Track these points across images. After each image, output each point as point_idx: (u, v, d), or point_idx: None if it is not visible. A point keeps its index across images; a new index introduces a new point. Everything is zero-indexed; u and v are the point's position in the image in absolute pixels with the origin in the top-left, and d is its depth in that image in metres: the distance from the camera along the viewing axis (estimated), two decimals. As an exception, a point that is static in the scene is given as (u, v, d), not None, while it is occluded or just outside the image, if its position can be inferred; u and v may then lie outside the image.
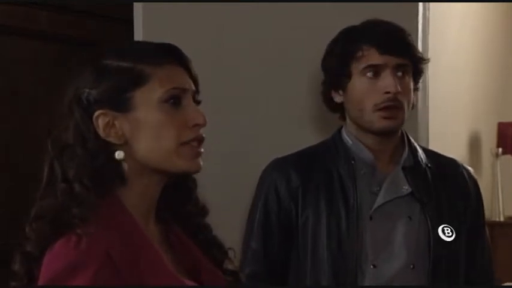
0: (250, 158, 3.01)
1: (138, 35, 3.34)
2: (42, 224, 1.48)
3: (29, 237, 1.49)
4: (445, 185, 2.27)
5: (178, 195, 1.64)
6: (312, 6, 3.16)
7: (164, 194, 1.61)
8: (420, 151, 2.29)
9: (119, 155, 1.53)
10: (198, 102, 1.60)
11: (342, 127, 2.31)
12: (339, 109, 2.30)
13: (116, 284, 1.43)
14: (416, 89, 2.27)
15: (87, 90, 1.54)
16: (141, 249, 1.49)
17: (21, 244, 1.50)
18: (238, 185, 3.06)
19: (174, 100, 1.54)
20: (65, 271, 1.43)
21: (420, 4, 3.20)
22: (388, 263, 2.18)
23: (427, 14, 3.24)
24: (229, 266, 1.66)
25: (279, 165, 2.29)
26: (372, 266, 2.17)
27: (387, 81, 2.16)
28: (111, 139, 1.53)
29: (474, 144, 5.09)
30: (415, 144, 2.30)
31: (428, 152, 2.33)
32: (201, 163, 1.57)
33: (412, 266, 2.19)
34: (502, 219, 5.18)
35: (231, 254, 1.68)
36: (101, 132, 1.53)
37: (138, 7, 3.38)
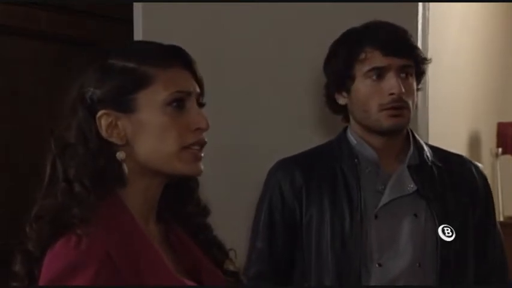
0: (251, 159, 3.01)
1: (138, 35, 3.34)
2: (43, 224, 1.48)
3: (30, 237, 1.49)
4: (452, 182, 2.26)
5: (179, 195, 1.64)
6: (312, 6, 3.16)
7: (165, 193, 1.60)
8: (426, 149, 2.29)
9: (119, 155, 1.52)
10: (202, 105, 1.59)
11: (347, 127, 2.32)
12: (343, 111, 2.30)
13: (116, 284, 1.43)
14: (418, 89, 2.27)
15: (91, 89, 1.53)
16: (141, 249, 1.49)
17: (22, 244, 1.50)
18: (239, 185, 3.06)
19: (178, 103, 1.54)
20: (65, 271, 1.43)
21: (420, 4, 3.20)
22: (393, 262, 2.17)
23: (427, 14, 3.24)
24: (230, 267, 1.66)
25: (284, 165, 2.30)
26: (377, 265, 2.17)
27: (392, 83, 2.17)
28: (113, 139, 1.53)
29: (474, 144, 5.09)
30: (421, 142, 2.31)
31: (435, 150, 2.33)
32: (202, 167, 1.56)
33: (418, 265, 2.18)
34: (501, 219, 5.17)
35: (231, 254, 1.68)
36: (103, 132, 1.52)
37: (138, 7, 3.38)
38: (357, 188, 2.20)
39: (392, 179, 2.21)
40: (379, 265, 2.17)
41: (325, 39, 2.33)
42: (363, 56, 2.19)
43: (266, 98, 3.23)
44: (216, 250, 1.66)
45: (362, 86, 2.20)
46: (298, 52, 3.15)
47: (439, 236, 2.18)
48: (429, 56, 3.23)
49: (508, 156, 5.21)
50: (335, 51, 2.26)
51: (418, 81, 2.26)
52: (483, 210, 2.30)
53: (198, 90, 1.58)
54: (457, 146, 4.77)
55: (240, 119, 3.26)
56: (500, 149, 5.15)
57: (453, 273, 2.19)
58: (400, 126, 2.21)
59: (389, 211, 2.19)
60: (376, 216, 2.19)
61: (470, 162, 2.38)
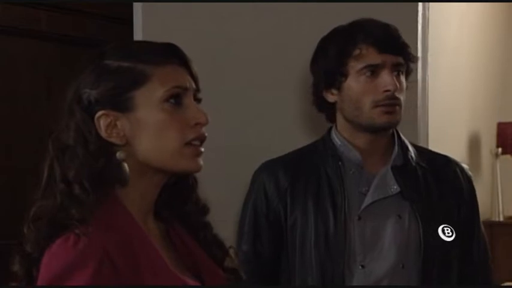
0: (250, 158, 3.00)
1: (138, 35, 3.35)
2: (41, 225, 1.48)
3: (28, 238, 1.49)
4: (437, 183, 2.25)
5: (178, 194, 1.64)
6: (312, 6, 3.16)
7: (165, 192, 1.60)
8: (411, 149, 2.28)
9: (119, 155, 1.52)
10: (198, 101, 1.60)
11: (331, 127, 2.30)
12: (330, 109, 2.28)
13: (115, 284, 1.43)
14: (406, 88, 2.25)
15: (87, 90, 1.53)
16: (140, 248, 1.49)
17: (20, 245, 1.50)
18: (237, 185, 3.06)
19: (175, 99, 1.54)
20: (63, 271, 1.42)
21: (420, 4, 3.20)
22: (377, 263, 2.17)
23: (427, 14, 3.24)
24: (230, 264, 1.66)
25: (268, 167, 2.29)
26: (360, 267, 2.16)
27: (387, 80, 2.16)
28: (113, 139, 1.53)
29: (474, 144, 5.09)
30: (406, 143, 2.29)
31: (420, 150, 2.32)
32: (201, 163, 1.56)
33: (401, 266, 2.17)
34: (501, 219, 5.18)
35: (231, 252, 1.68)
36: (102, 132, 1.52)
37: (137, 7, 3.38)
38: (340, 190, 2.19)
39: (375, 180, 2.20)
40: (362, 266, 2.16)
41: (325, 39, 2.33)
42: (357, 52, 2.18)
43: (265, 98, 3.23)
44: (216, 248, 1.66)
45: (355, 83, 2.19)
46: (298, 52, 3.15)
47: (423, 238, 2.17)
48: (429, 55, 3.26)
49: (507, 156, 5.22)
50: (325, 48, 2.24)
51: (407, 80, 2.25)
52: (468, 212, 2.29)
53: (194, 86, 1.58)
54: (457, 146, 4.77)
55: (239, 119, 3.26)
56: (500, 149, 5.16)
57: (437, 274, 2.18)
58: (392, 123, 2.20)
59: (373, 212, 2.19)
60: (359, 218, 2.18)
61: (456, 163, 2.37)
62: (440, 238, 2.20)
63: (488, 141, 5.21)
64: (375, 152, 2.23)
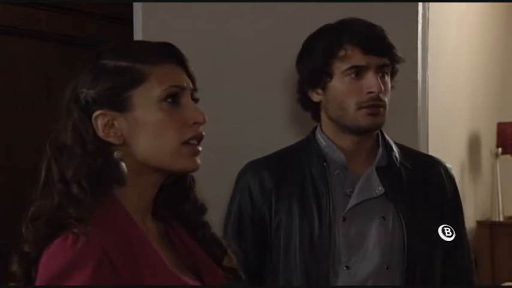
0: (248, 158, 3.00)
1: (138, 35, 3.35)
2: (39, 225, 1.48)
3: (26, 238, 1.49)
4: (421, 184, 2.25)
5: (177, 193, 1.64)
6: (312, 6, 3.16)
7: (163, 192, 1.61)
8: (396, 150, 2.27)
9: (117, 155, 1.52)
10: (196, 100, 1.60)
11: (316, 127, 2.30)
12: (314, 108, 2.27)
13: (115, 284, 1.43)
14: (392, 88, 2.24)
15: (85, 90, 1.53)
16: (138, 247, 1.49)
17: (19, 245, 1.50)
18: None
19: (173, 98, 1.54)
20: (62, 270, 1.42)
21: (420, 4, 3.20)
22: (361, 264, 2.16)
23: (427, 14, 3.24)
24: (229, 264, 1.66)
25: (253, 167, 2.29)
26: (345, 268, 2.16)
27: (371, 82, 2.15)
28: (111, 139, 1.53)
29: (474, 144, 5.10)
30: (391, 143, 2.28)
31: (404, 150, 2.30)
32: (199, 162, 1.57)
33: (386, 267, 2.17)
34: (501, 219, 5.18)
35: (230, 251, 1.68)
36: (100, 132, 1.52)
37: (137, 7, 3.38)
38: (325, 191, 2.19)
39: (360, 181, 2.19)
40: (347, 268, 2.16)
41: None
42: (342, 53, 2.16)
43: (265, 98, 3.23)
44: (215, 247, 1.66)
45: (340, 83, 2.18)
46: (296, 53, 3.15)
47: (406, 239, 2.17)
48: (429, 56, 3.26)
49: (507, 156, 5.22)
50: (310, 47, 2.24)
51: (393, 80, 2.23)
52: (451, 212, 2.29)
53: (191, 85, 1.58)
54: (457, 146, 4.78)
55: (239, 119, 3.26)
56: (500, 149, 5.16)
57: (420, 275, 2.18)
58: (377, 125, 2.19)
59: (357, 214, 2.18)
60: (344, 219, 2.17)
61: (440, 163, 2.36)
62: (424, 239, 2.20)
63: (488, 141, 5.21)
64: (359, 153, 2.23)
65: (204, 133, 1.56)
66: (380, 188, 2.19)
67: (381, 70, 2.17)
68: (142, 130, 1.53)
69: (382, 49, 2.17)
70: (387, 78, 2.19)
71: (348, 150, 2.22)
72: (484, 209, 5.25)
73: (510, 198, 5.32)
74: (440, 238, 2.23)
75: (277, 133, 3.19)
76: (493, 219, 5.18)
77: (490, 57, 5.33)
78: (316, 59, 2.20)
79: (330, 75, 2.18)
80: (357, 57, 2.16)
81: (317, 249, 2.16)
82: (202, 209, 1.67)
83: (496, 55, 5.44)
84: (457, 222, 2.29)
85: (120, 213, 1.51)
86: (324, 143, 2.24)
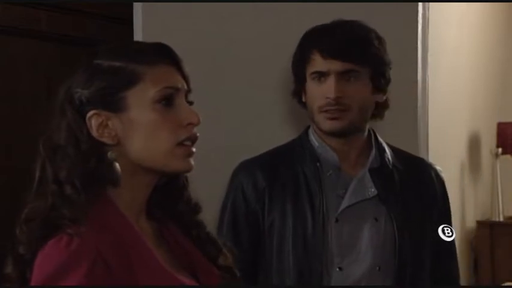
0: (244, 157, 3.00)
1: (138, 35, 3.34)
2: (33, 226, 1.47)
3: (20, 239, 1.48)
4: (413, 186, 2.26)
5: (170, 193, 1.64)
6: (312, 6, 3.16)
7: (156, 191, 1.60)
8: (388, 151, 2.28)
9: (111, 155, 1.52)
10: (190, 103, 1.59)
11: (309, 127, 2.30)
12: (306, 108, 2.29)
13: (110, 284, 1.43)
14: (381, 91, 2.23)
15: (79, 90, 1.53)
16: (132, 247, 1.49)
17: (13, 246, 1.50)
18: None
19: (167, 100, 1.54)
20: (57, 271, 1.42)
21: (420, 4, 3.19)
22: (354, 266, 2.17)
23: (427, 14, 3.24)
24: (224, 262, 1.66)
25: (246, 167, 2.29)
26: (337, 269, 2.17)
27: (327, 87, 2.16)
28: (105, 139, 1.52)
29: (474, 144, 5.09)
30: (384, 145, 2.29)
31: (396, 152, 2.31)
32: (192, 163, 1.56)
33: (378, 268, 2.18)
34: (501, 219, 5.18)
35: (225, 250, 1.69)
36: (94, 132, 1.52)
37: (137, 7, 3.38)
38: (319, 192, 2.19)
39: (353, 183, 2.20)
40: (340, 269, 2.17)
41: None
42: (309, 58, 2.20)
43: (265, 98, 3.23)
44: (210, 246, 1.66)
45: (309, 87, 2.22)
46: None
47: (398, 241, 2.18)
48: (429, 56, 3.26)
49: (507, 156, 5.22)
50: (295, 51, 2.28)
51: (377, 84, 2.22)
52: (440, 214, 2.29)
53: (185, 87, 1.58)
54: (457, 146, 4.77)
55: (239, 119, 3.26)
56: (500, 149, 5.16)
57: (411, 276, 2.19)
58: (339, 129, 2.19)
59: (350, 215, 2.19)
60: (337, 220, 2.18)
61: (430, 165, 2.37)
62: (415, 240, 2.21)
63: (489, 141, 5.21)
64: (349, 154, 2.24)
65: (198, 134, 1.56)
66: (373, 190, 2.20)
67: (345, 75, 2.17)
68: (137, 131, 1.53)
69: (344, 54, 2.16)
70: (360, 84, 2.18)
71: (338, 150, 2.23)
72: (484, 209, 5.25)
73: (510, 198, 5.32)
74: (430, 240, 2.25)
75: (277, 133, 3.18)
76: (493, 219, 5.18)
77: (490, 57, 5.33)
78: (294, 62, 2.26)
79: (305, 79, 2.22)
80: (318, 63, 2.19)
81: (310, 250, 2.17)
82: (196, 209, 1.67)
83: (496, 55, 5.44)
84: (446, 224, 2.30)
85: (114, 213, 1.51)
86: (317, 144, 2.25)
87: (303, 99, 2.27)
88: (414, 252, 2.20)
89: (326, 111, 2.17)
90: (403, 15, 3.14)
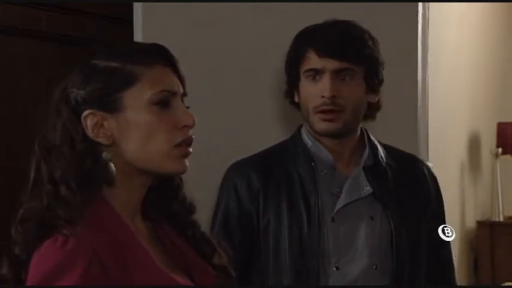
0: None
1: (138, 35, 3.34)
2: (28, 227, 1.47)
3: (16, 240, 1.48)
4: (406, 184, 2.26)
5: (165, 194, 1.64)
6: (312, 6, 3.16)
7: (151, 192, 1.60)
8: (381, 150, 2.27)
9: (106, 155, 1.52)
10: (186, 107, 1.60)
11: (301, 126, 2.30)
12: (298, 108, 2.29)
13: (107, 284, 1.43)
14: (374, 91, 2.23)
15: (75, 90, 1.53)
16: (128, 247, 1.49)
17: (9, 247, 1.49)
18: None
19: (163, 103, 1.54)
20: (52, 272, 1.42)
21: (420, 4, 3.19)
22: (350, 265, 2.17)
23: (427, 14, 3.24)
24: (219, 262, 1.66)
25: (239, 167, 2.29)
26: (334, 268, 2.16)
27: (322, 86, 2.16)
28: (100, 139, 1.52)
29: (474, 144, 5.10)
30: (376, 143, 2.28)
31: (388, 149, 2.31)
32: (187, 164, 1.56)
33: (375, 267, 2.18)
34: (501, 219, 5.18)
35: (220, 249, 1.68)
36: (89, 132, 1.52)
37: (137, 7, 3.38)
38: (314, 192, 2.19)
39: (348, 182, 2.20)
40: (337, 268, 2.16)
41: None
42: (304, 56, 2.20)
43: (265, 98, 3.23)
44: (205, 246, 1.66)
45: (303, 86, 2.21)
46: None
47: (395, 238, 2.18)
48: (429, 56, 3.26)
49: (507, 157, 5.22)
50: (289, 50, 2.27)
51: (371, 84, 2.22)
52: (435, 214, 2.29)
53: (181, 89, 1.58)
54: (457, 146, 4.77)
55: (239, 119, 3.26)
56: (500, 149, 5.16)
57: (408, 274, 2.19)
58: (333, 130, 2.19)
59: (346, 214, 2.18)
60: (332, 220, 2.18)
61: (422, 162, 2.39)
62: (411, 238, 2.21)
63: (489, 141, 5.21)
64: (343, 153, 2.24)
65: (193, 136, 1.56)
66: (368, 188, 2.20)
67: (340, 74, 2.17)
68: (133, 132, 1.52)
69: (340, 52, 2.17)
70: (355, 83, 2.19)
71: (331, 149, 2.23)
72: (484, 209, 5.25)
73: (510, 198, 5.32)
74: (425, 237, 2.25)
75: (278, 133, 3.18)
76: (493, 219, 5.18)
77: (490, 57, 5.33)
78: (288, 60, 2.26)
79: (299, 78, 2.22)
80: (313, 61, 2.18)
81: (307, 250, 2.16)
82: (191, 209, 1.67)
83: (496, 55, 5.44)
84: (440, 221, 2.30)
85: (109, 213, 1.51)
86: (310, 143, 2.25)
87: (296, 100, 2.26)
88: (411, 250, 2.20)
89: (321, 111, 2.17)
90: (403, 15, 3.14)
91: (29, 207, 1.49)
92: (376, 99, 2.25)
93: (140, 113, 1.52)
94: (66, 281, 1.40)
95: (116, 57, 1.55)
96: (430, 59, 3.26)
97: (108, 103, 1.52)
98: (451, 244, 2.37)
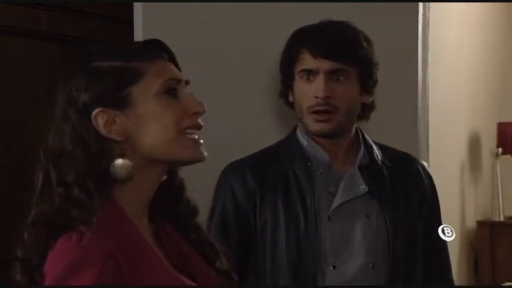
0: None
1: (138, 35, 3.34)
2: (39, 230, 1.47)
3: (27, 245, 1.48)
4: (402, 182, 2.26)
5: (168, 194, 1.64)
6: (312, 6, 3.16)
7: (155, 194, 1.60)
8: (375, 148, 2.28)
9: (118, 152, 1.52)
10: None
11: (296, 126, 2.30)
12: (293, 108, 2.29)
13: (117, 284, 1.43)
14: (368, 92, 2.23)
15: (81, 93, 1.53)
16: (139, 249, 1.49)
17: (19, 252, 1.48)
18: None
19: (171, 91, 1.55)
20: (69, 268, 1.41)
21: (420, 4, 3.19)
22: (347, 264, 2.17)
23: (427, 14, 3.24)
24: (222, 266, 1.66)
25: (235, 168, 2.29)
26: (331, 267, 2.16)
27: (316, 86, 2.17)
28: (113, 136, 1.52)
29: (474, 144, 5.10)
30: (371, 142, 2.29)
31: (383, 149, 2.31)
32: (205, 153, 1.57)
33: (371, 265, 2.18)
34: (502, 219, 5.18)
35: (223, 254, 1.68)
36: (101, 129, 1.52)
37: (138, 7, 3.38)
38: (310, 191, 2.19)
39: (344, 180, 2.20)
40: (334, 267, 2.16)
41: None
42: (298, 56, 2.20)
43: (265, 98, 3.23)
44: (208, 249, 1.66)
45: (297, 86, 2.22)
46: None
47: (391, 237, 2.18)
48: (429, 56, 3.26)
49: (508, 157, 5.22)
50: (284, 50, 2.27)
51: (365, 85, 2.22)
52: (431, 212, 2.30)
53: (184, 78, 1.60)
54: (457, 146, 4.77)
55: (239, 119, 3.26)
56: (500, 149, 5.16)
57: (404, 272, 2.19)
58: (327, 131, 2.20)
59: (342, 213, 2.19)
60: (329, 218, 2.18)
61: (417, 161, 2.39)
62: (407, 236, 2.21)
63: (489, 141, 5.21)
64: (338, 152, 2.24)
65: (203, 124, 1.57)
66: (363, 187, 2.21)
67: (334, 75, 2.17)
68: (144, 124, 1.53)
69: (334, 53, 2.17)
70: (349, 84, 2.19)
71: (327, 149, 2.23)
72: (484, 209, 5.25)
73: (510, 198, 5.32)
74: (421, 236, 2.25)
75: (278, 134, 3.18)
76: (494, 219, 5.18)
77: (490, 57, 5.33)
78: (283, 60, 2.26)
79: (293, 78, 2.22)
80: (307, 61, 2.19)
81: (304, 249, 2.17)
82: (194, 211, 1.67)
83: (496, 55, 5.44)
84: (435, 220, 2.31)
85: (119, 215, 1.51)
86: (306, 143, 2.25)
87: (290, 99, 2.27)
88: (407, 249, 2.21)
89: (315, 112, 2.17)
90: (403, 15, 3.14)
91: (39, 211, 1.49)
92: (371, 99, 2.26)
93: (150, 105, 1.53)
94: (84, 278, 1.40)
95: (118, 57, 1.55)
96: (430, 59, 3.26)
97: (117, 101, 1.53)
98: (451, 244, 2.37)
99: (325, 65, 2.17)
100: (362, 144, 2.26)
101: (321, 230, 2.17)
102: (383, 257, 2.18)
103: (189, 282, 1.56)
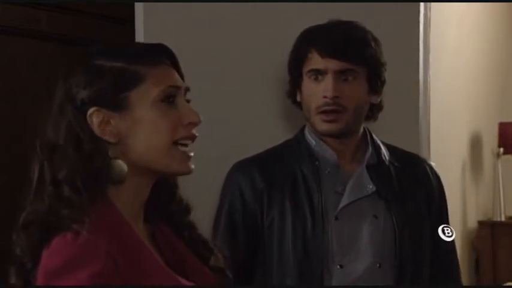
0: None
1: (139, 35, 3.34)
2: (32, 230, 1.46)
3: (20, 246, 1.47)
4: (409, 182, 2.26)
5: (161, 194, 1.63)
6: (312, 6, 3.15)
7: (150, 193, 1.60)
8: (383, 148, 2.28)
9: (112, 154, 1.52)
10: (187, 101, 1.60)
11: (304, 126, 2.30)
12: (301, 108, 2.29)
13: (116, 285, 1.42)
14: (376, 92, 2.23)
15: (80, 90, 1.53)
16: (137, 251, 1.49)
17: (14, 254, 1.48)
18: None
19: (169, 99, 1.54)
20: (65, 265, 1.41)
21: (421, 4, 3.19)
22: (354, 263, 2.17)
23: (428, 14, 3.23)
24: (216, 264, 1.66)
25: (242, 167, 2.28)
26: (338, 267, 2.16)
27: (324, 86, 2.16)
28: (106, 137, 1.52)
29: (475, 144, 5.09)
30: (378, 142, 2.29)
31: (391, 149, 2.32)
32: (193, 166, 1.56)
33: (378, 265, 2.18)
34: (503, 219, 5.19)
35: (217, 251, 1.68)
36: (95, 129, 1.52)
37: (139, 7, 3.38)
38: (317, 190, 2.19)
39: (351, 180, 2.20)
40: (341, 266, 2.16)
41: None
42: (307, 56, 2.20)
43: (265, 98, 3.22)
44: (202, 247, 1.66)
45: (305, 86, 2.22)
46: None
47: (398, 237, 2.18)
48: (430, 56, 3.25)
49: (509, 156, 5.22)
50: (292, 49, 2.27)
51: (373, 85, 2.22)
52: (437, 210, 2.29)
53: (185, 85, 1.59)
54: (458, 146, 4.77)
55: (239, 119, 3.26)
56: (501, 149, 5.16)
57: (411, 273, 2.19)
58: (335, 131, 2.20)
59: (350, 212, 2.19)
60: (336, 218, 2.18)
61: (425, 161, 2.39)
62: (414, 236, 2.21)
63: (490, 141, 5.21)
64: (346, 152, 2.24)
65: (197, 134, 1.56)
66: (371, 186, 2.20)
67: (343, 74, 2.18)
68: (139, 129, 1.53)
69: (342, 53, 2.17)
70: (357, 84, 2.19)
71: (335, 148, 2.23)
72: (485, 209, 5.25)
73: (511, 198, 5.32)
74: (428, 236, 2.25)
75: (278, 133, 3.18)
76: (495, 219, 5.18)
77: (490, 57, 5.33)
78: (291, 59, 2.26)
79: (301, 77, 2.22)
80: (316, 61, 2.19)
81: (311, 249, 2.16)
82: (187, 209, 1.67)
83: (497, 55, 5.44)
84: (443, 220, 2.30)
85: (114, 215, 1.51)
86: (314, 142, 2.25)
87: (298, 99, 2.27)
88: (414, 249, 2.20)
89: (323, 112, 2.17)
90: (404, 15, 3.14)
91: (31, 210, 1.49)
92: (379, 100, 2.26)
93: (146, 111, 1.53)
94: (80, 276, 1.39)
95: (120, 58, 1.55)
96: (431, 59, 3.25)
97: (114, 102, 1.52)
98: (453, 244, 2.36)
99: (333, 65, 2.17)
100: (370, 144, 2.26)
101: (328, 229, 2.17)
102: (390, 257, 2.18)
103: (184, 281, 1.55)
